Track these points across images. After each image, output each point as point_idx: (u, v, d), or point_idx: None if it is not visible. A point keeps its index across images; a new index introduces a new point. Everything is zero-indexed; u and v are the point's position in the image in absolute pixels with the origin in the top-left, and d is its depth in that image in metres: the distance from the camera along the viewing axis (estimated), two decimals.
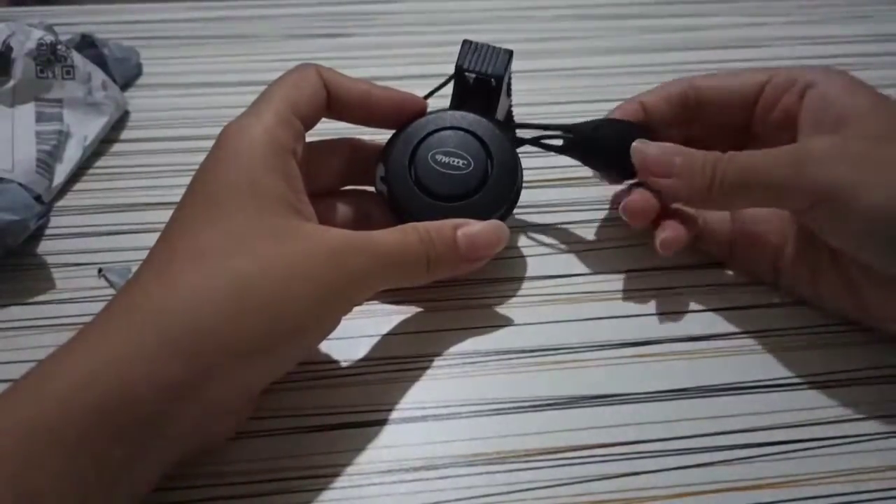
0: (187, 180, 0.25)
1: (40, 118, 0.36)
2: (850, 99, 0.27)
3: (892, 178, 0.24)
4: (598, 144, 0.31)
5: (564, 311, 0.31)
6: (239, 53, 0.49)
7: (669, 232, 0.29)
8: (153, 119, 0.42)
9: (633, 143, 0.29)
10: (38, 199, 0.33)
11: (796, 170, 0.26)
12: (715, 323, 0.30)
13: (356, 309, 0.26)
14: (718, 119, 0.32)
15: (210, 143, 0.25)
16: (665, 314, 0.30)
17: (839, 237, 0.26)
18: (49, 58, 0.37)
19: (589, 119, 0.31)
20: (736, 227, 0.31)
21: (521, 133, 0.33)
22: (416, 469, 0.25)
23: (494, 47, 0.31)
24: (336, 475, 0.25)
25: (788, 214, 0.30)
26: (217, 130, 0.26)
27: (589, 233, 0.35)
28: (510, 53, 0.31)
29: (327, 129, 0.29)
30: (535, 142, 0.33)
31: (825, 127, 0.27)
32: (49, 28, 0.40)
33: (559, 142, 0.32)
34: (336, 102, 0.28)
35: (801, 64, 0.47)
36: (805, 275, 0.29)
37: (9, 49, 0.36)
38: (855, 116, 0.27)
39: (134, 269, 0.23)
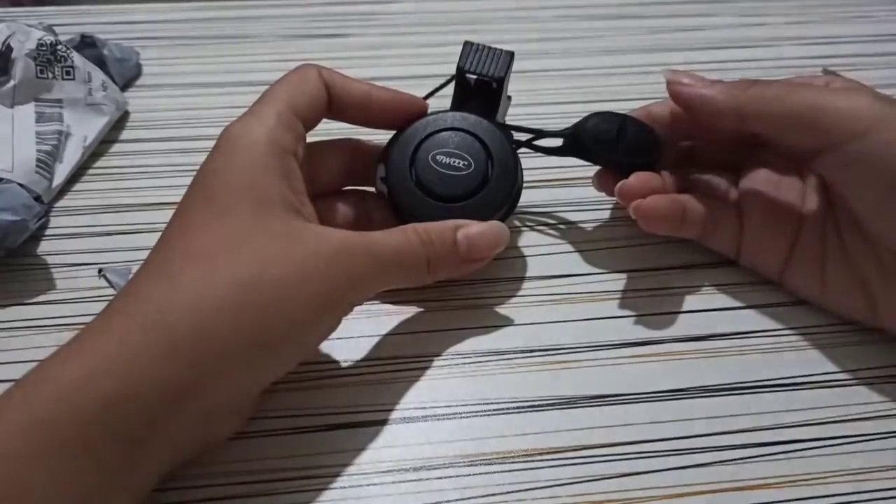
0: (187, 181, 0.25)
1: (40, 118, 0.36)
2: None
3: None
4: (588, 138, 0.31)
5: (564, 311, 0.31)
6: (239, 53, 0.49)
7: (651, 199, 0.29)
8: (153, 119, 0.42)
9: (666, 71, 0.30)
10: (38, 199, 0.33)
11: (838, 97, 0.26)
12: (715, 323, 0.30)
13: (356, 309, 0.26)
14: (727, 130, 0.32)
15: (210, 144, 0.25)
16: (665, 314, 0.30)
17: (861, 187, 0.26)
18: (49, 58, 0.37)
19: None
20: (745, 225, 0.31)
21: (515, 136, 0.33)
22: (416, 469, 0.25)
23: (495, 49, 0.31)
24: (336, 475, 0.25)
25: (799, 214, 0.30)
26: (217, 131, 0.26)
27: (589, 233, 0.35)
28: (511, 55, 0.31)
29: (328, 129, 0.29)
30: (529, 143, 0.33)
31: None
32: (49, 28, 0.40)
33: (556, 142, 0.32)
34: (337, 103, 0.28)
35: (800, 64, 0.47)
36: (814, 274, 0.29)
37: (9, 49, 0.36)
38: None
39: (134, 269, 0.23)
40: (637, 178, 0.29)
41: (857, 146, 0.25)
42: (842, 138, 0.25)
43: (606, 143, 0.30)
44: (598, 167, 0.33)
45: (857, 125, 0.25)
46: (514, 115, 0.35)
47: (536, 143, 0.33)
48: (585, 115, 0.31)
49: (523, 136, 0.33)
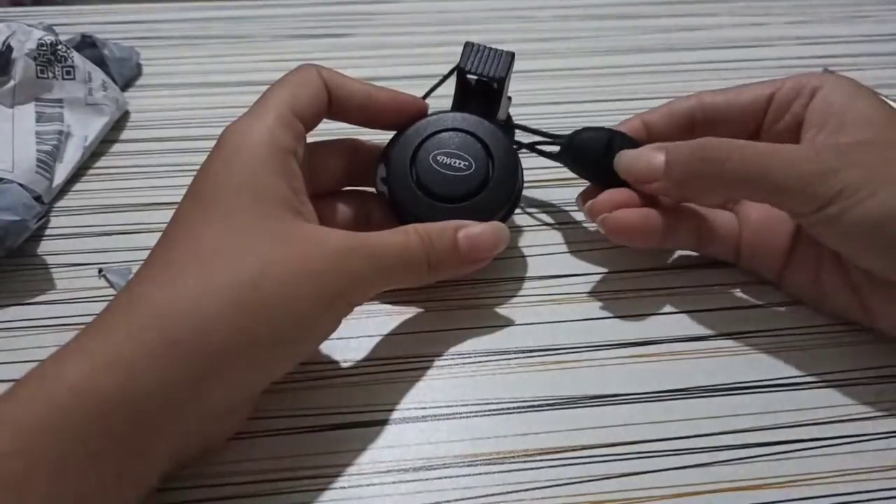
0: (187, 180, 0.25)
1: (40, 118, 0.36)
2: (853, 104, 0.27)
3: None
4: (576, 151, 0.31)
5: (564, 311, 0.31)
6: (239, 53, 0.49)
7: (619, 212, 0.28)
8: (153, 119, 0.42)
9: (616, 157, 0.29)
10: (38, 199, 0.33)
11: (803, 170, 0.25)
12: (715, 323, 0.30)
13: (356, 309, 0.26)
14: (726, 136, 0.32)
15: (210, 144, 0.25)
16: (665, 314, 0.30)
17: (840, 242, 0.26)
18: (49, 58, 0.37)
19: (586, 121, 0.31)
20: (742, 230, 0.31)
21: (518, 137, 0.33)
22: (416, 469, 0.25)
23: (496, 49, 0.31)
24: (336, 475, 0.25)
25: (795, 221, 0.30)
26: (217, 130, 0.26)
27: (589, 233, 0.35)
28: (512, 55, 0.31)
29: (328, 129, 0.29)
30: (531, 147, 0.33)
31: (828, 130, 0.27)
32: (49, 28, 0.40)
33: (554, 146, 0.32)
34: (337, 103, 0.28)
35: (800, 64, 0.47)
36: (809, 278, 0.29)
37: (9, 49, 0.36)
38: (857, 121, 0.27)
39: (134, 269, 0.23)
40: (608, 195, 0.29)
41: (815, 217, 0.25)
42: (805, 212, 0.25)
43: (593, 160, 0.30)
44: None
45: (821, 202, 0.25)
46: (513, 115, 0.35)
47: (535, 144, 0.33)
48: (583, 115, 0.31)
49: (524, 138, 0.33)
